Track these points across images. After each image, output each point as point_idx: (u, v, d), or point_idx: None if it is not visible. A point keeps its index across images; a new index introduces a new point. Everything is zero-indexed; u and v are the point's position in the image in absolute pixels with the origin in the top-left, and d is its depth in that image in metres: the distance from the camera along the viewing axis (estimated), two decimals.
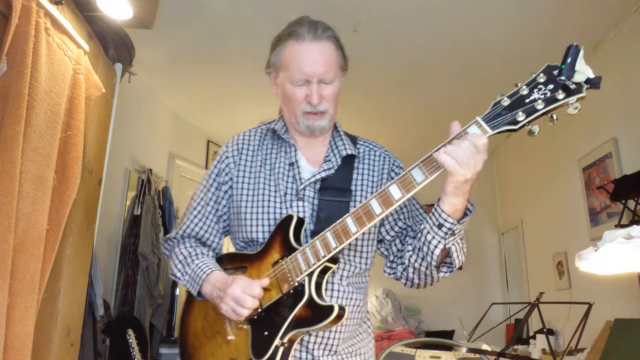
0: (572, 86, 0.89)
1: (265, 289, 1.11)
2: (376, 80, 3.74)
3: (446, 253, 1.11)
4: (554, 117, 0.92)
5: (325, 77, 1.18)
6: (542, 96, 0.92)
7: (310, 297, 1.08)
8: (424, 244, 1.09)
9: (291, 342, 1.10)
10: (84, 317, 1.88)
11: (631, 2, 2.74)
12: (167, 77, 3.79)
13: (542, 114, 0.92)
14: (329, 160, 1.25)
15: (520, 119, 0.93)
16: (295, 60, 1.17)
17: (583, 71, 0.88)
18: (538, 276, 4.16)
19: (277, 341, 1.07)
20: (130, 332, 2.09)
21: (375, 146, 1.33)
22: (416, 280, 1.19)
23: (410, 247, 1.17)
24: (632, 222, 2.44)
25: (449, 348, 2.40)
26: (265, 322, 1.11)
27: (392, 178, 1.25)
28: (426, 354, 2.32)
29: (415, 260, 1.14)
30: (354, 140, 1.32)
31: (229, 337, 1.16)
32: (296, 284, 1.09)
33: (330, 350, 1.17)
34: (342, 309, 1.07)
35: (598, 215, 3.11)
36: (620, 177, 2.64)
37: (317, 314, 1.06)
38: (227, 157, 1.30)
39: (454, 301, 4.93)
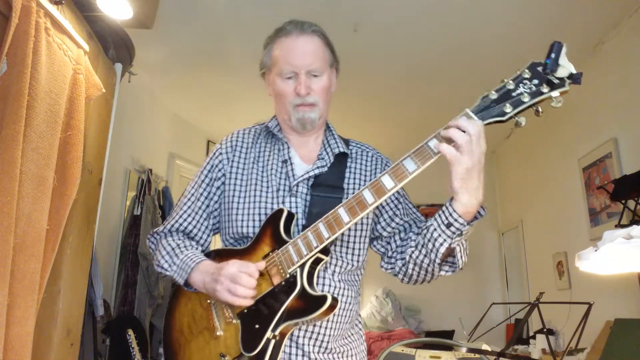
0: (556, 81, 0.95)
1: (258, 281, 1.09)
2: (376, 80, 3.74)
3: (449, 252, 1.11)
4: (540, 109, 0.97)
5: (312, 69, 1.20)
6: (528, 90, 0.97)
7: (303, 288, 1.07)
8: (429, 240, 1.09)
9: (282, 335, 1.09)
10: (84, 317, 1.88)
11: (631, 2, 2.74)
12: (167, 77, 3.79)
13: (528, 107, 0.97)
14: (322, 158, 1.27)
15: (507, 110, 0.97)
16: (283, 54, 1.21)
17: (566, 66, 0.94)
18: (538, 276, 4.16)
19: (268, 333, 1.06)
20: (130, 332, 2.09)
21: (367, 147, 1.35)
22: (415, 277, 1.19)
23: (413, 243, 1.16)
24: (632, 222, 2.44)
25: (449, 348, 2.40)
26: (256, 315, 1.09)
27: None
28: (426, 354, 2.32)
29: (417, 257, 1.14)
30: (346, 141, 1.34)
31: (218, 333, 1.14)
32: (288, 275, 1.09)
33: (321, 347, 1.16)
34: (334, 299, 1.06)
35: (598, 215, 3.11)
36: (620, 177, 2.64)
37: (310, 304, 1.06)
38: (220, 154, 1.30)
39: (454, 301, 4.93)
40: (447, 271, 1.15)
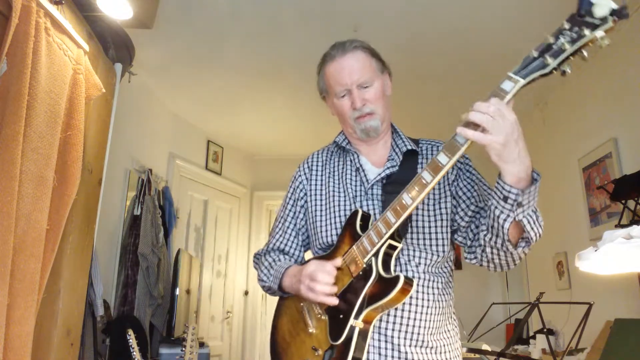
0: (597, 22, 0.89)
1: (339, 278, 1.16)
2: None
3: (521, 227, 1.08)
4: (585, 54, 0.92)
5: (362, 82, 1.27)
6: (569, 38, 0.92)
7: (378, 273, 1.11)
8: (494, 220, 1.07)
9: (367, 323, 1.12)
10: (84, 317, 1.88)
11: (631, 2, 2.74)
12: (167, 77, 3.79)
13: (572, 54, 0.92)
14: (392, 159, 1.33)
15: (549, 62, 0.93)
16: (333, 77, 1.31)
17: (603, 4, 0.87)
18: (538, 276, 4.16)
19: (351, 321, 1.10)
20: (130, 332, 2.09)
21: (437, 142, 1.38)
22: (497, 260, 1.17)
23: (484, 227, 1.16)
24: (632, 222, 2.43)
25: None
26: (340, 307, 1.14)
27: (459, 168, 1.30)
28: None
29: (490, 239, 1.13)
30: (416, 141, 1.38)
31: (310, 330, 1.21)
32: (364, 265, 1.13)
33: (412, 339, 1.18)
34: (408, 278, 1.08)
35: (598, 215, 3.11)
36: (620, 177, 2.64)
37: (385, 287, 1.09)
38: (299, 176, 1.44)
39: (454, 301, 4.93)
40: (523, 247, 1.12)
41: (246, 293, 5.17)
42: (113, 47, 2.10)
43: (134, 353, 2.05)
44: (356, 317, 1.10)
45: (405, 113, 4.37)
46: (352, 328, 1.10)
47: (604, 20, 0.88)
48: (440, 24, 3.00)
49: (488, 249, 1.16)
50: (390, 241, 1.13)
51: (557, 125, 3.73)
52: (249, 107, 4.25)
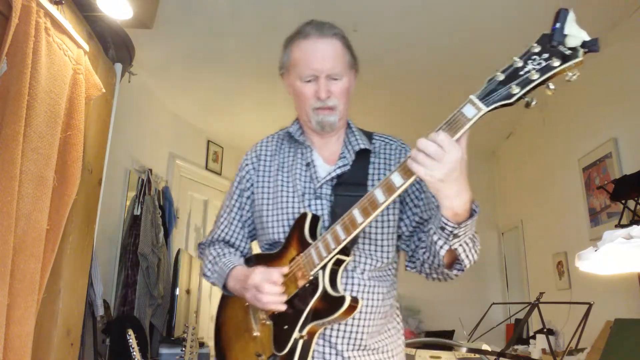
0: (568, 52, 0.84)
1: (285, 285, 1.13)
2: (376, 79, 3.74)
3: (453, 254, 1.10)
4: (551, 86, 0.87)
5: (332, 72, 1.21)
6: (537, 66, 0.87)
7: (324, 290, 1.09)
8: (431, 243, 1.09)
9: (311, 335, 1.11)
10: (84, 317, 1.88)
11: (631, 2, 2.74)
12: (167, 77, 3.79)
13: (538, 84, 0.87)
14: (344, 157, 1.28)
15: (515, 92, 0.88)
16: (303, 57, 1.22)
17: (576, 35, 0.84)
18: (538, 276, 4.16)
19: (296, 334, 1.09)
20: (130, 332, 2.09)
21: (391, 139, 1.34)
22: (434, 275, 1.18)
23: (423, 244, 1.17)
24: (632, 222, 2.43)
25: (449, 348, 2.40)
26: (285, 317, 1.13)
27: None
28: (426, 354, 2.32)
29: (428, 257, 1.14)
30: (369, 135, 1.34)
31: (255, 334, 1.20)
32: (311, 277, 1.11)
33: (355, 345, 1.17)
34: (354, 299, 1.07)
35: (598, 215, 3.11)
36: (620, 177, 2.64)
37: (331, 305, 1.07)
38: (246, 165, 1.36)
39: (454, 301, 4.92)
40: (457, 270, 1.13)
41: None
42: (113, 47, 2.10)
43: (134, 353, 2.05)
44: (300, 330, 1.09)
45: (404, 113, 4.37)
46: (296, 341, 1.09)
47: (574, 51, 0.84)
48: (440, 23, 3.00)
49: (426, 265, 1.17)
50: (339, 256, 1.10)
51: (557, 125, 3.73)
52: (249, 107, 4.24)
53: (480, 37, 3.11)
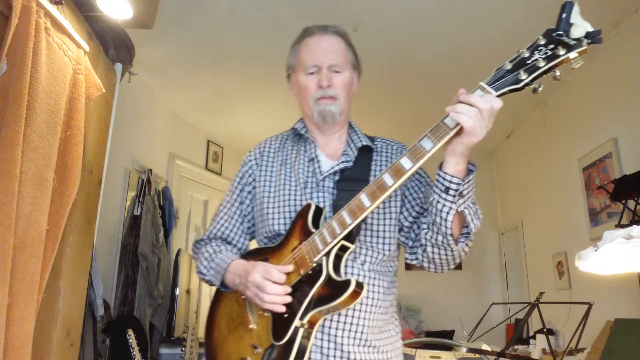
0: (572, 42, 0.91)
1: (286, 275, 1.12)
2: (376, 79, 3.74)
3: (462, 222, 1.11)
4: (557, 74, 0.93)
5: (334, 64, 1.27)
6: (543, 55, 0.93)
7: (328, 275, 1.08)
8: (435, 215, 1.09)
9: (312, 324, 1.10)
10: (84, 317, 1.88)
11: (631, 2, 2.74)
12: (167, 77, 3.79)
13: (545, 72, 0.93)
14: (347, 154, 1.31)
15: (522, 77, 0.94)
16: (307, 51, 1.30)
17: (581, 25, 0.90)
18: (538, 276, 4.16)
19: (296, 322, 1.08)
20: (130, 332, 2.09)
21: (392, 142, 1.38)
22: (437, 259, 1.18)
23: (425, 226, 1.17)
24: (632, 222, 2.44)
25: (449, 348, 2.40)
26: (285, 305, 1.10)
27: None
28: (426, 354, 2.32)
29: (432, 237, 1.14)
30: (371, 138, 1.38)
31: (251, 326, 1.18)
32: (314, 264, 1.10)
33: (356, 338, 1.16)
34: (359, 283, 1.07)
35: (598, 215, 3.11)
36: (620, 177, 2.64)
37: (335, 290, 1.06)
38: (249, 160, 1.39)
39: (454, 301, 4.92)
40: (463, 242, 1.14)
41: None
42: (113, 47, 2.10)
43: (134, 353, 2.05)
44: (301, 318, 1.07)
45: (404, 113, 4.37)
46: (297, 329, 1.07)
47: (578, 41, 0.90)
48: (441, 23, 3.00)
49: (429, 248, 1.17)
50: (343, 242, 1.10)
51: (557, 125, 3.73)
52: (249, 107, 4.24)
53: (482, 37, 3.11)
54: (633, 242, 1.41)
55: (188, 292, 3.71)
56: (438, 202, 1.07)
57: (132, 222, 3.33)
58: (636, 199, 2.50)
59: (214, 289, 1.35)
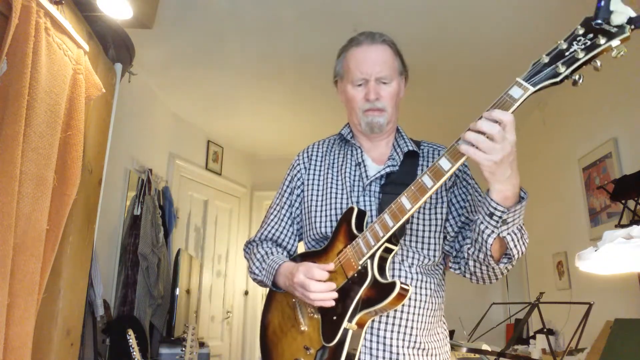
0: (613, 29, 0.86)
1: (333, 277, 1.14)
2: None
3: (504, 246, 1.10)
4: (599, 64, 0.89)
5: (381, 76, 1.27)
6: (582, 46, 0.89)
7: (374, 278, 1.09)
8: (478, 234, 1.08)
9: (360, 325, 1.11)
10: (84, 317, 1.88)
11: (631, 2, 2.74)
12: (167, 77, 3.79)
13: (584, 63, 0.89)
14: (393, 158, 1.32)
15: (561, 70, 0.90)
16: (355, 62, 1.29)
17: (622, 11, 0.85)
18: (538, 276, 4.16)
19: (345, 324, 1.09)
20: (130, 332, 2.09)
21: (439, 146, 1.38)
22: (479, 273, 1.18)
23: (468, 240, 1.16)
24: (632, 222, 2.43)
25: None
26: (334, 308, 1.13)
27: (457, 175, 1.29)
28: None
29: (473, 252, 1.13)
30: (417, 143, 1.39)
31: (302, 328, 1.20)
32: (360, 267, 1.11)
33: (405, 340, 1.17)
34: (404, 285, 1.07)
35: (598, 215, 3.11)
36: (620, 177, 2.64)
37: (381, 292, 1.07)
38: (298, 164, 1.42)
39: (454, 301, 4.91)
40: (505, 263, 1.12)
41: (246, 293, 5.17)
42: (113, 47, 2.10)
43: (134, 353, 2.04)
44: (350, 320, 1.09)
45: (404, 113, 4.37)
46: (346, 331, 1.09)
47: (620, 28, 0.85)
48: (441, 24, 3.00)
49: (471, 262, 1.17)
50: (387, 244, 1.11)
51: (557, 125, 3.73)
52: (249, 107, 4.24)
53: (480, 36, 3.11)
54: (633, 242, 1.41)
55: (188, 292, 3.71)
56: (482, 223, 1.06)
57: (132, 222, 3.33)
58: (636, 199, 2.50)
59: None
